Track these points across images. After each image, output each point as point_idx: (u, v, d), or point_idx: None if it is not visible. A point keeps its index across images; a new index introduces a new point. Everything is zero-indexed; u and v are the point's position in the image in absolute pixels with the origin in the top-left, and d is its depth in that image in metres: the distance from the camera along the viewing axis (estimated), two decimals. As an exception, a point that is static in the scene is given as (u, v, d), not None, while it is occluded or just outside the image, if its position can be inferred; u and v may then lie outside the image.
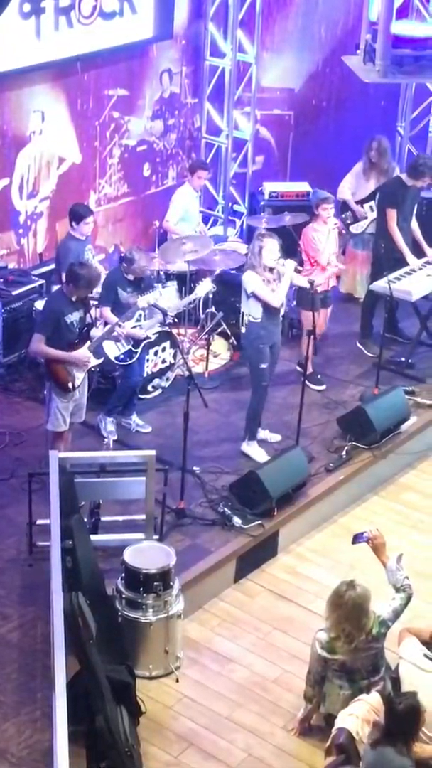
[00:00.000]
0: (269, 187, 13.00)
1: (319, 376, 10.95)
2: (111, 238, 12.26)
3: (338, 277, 12.31)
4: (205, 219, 12.52)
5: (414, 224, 11.53)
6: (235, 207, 13.30)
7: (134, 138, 12.35)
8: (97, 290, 9.68)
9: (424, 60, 11.52)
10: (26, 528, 8.63)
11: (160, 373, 10.69)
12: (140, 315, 9.73)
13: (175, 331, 10.71)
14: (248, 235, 12.82)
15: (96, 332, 9.12)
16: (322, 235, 10.64)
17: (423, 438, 10.49)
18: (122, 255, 9.81)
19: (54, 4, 10.75)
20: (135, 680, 7.39)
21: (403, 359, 11.33)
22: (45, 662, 7.57)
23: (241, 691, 7.84)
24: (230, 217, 13.23)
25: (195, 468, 9.52)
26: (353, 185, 12.09)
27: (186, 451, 9.04)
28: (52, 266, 10.85)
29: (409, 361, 11.32)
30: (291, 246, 10.94)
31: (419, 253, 11.53)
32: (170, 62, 12.52)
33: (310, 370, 10.61)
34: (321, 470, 9.68)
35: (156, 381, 10.60)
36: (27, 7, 10.52)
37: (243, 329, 9.78)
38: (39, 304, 10.53)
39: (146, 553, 7.94)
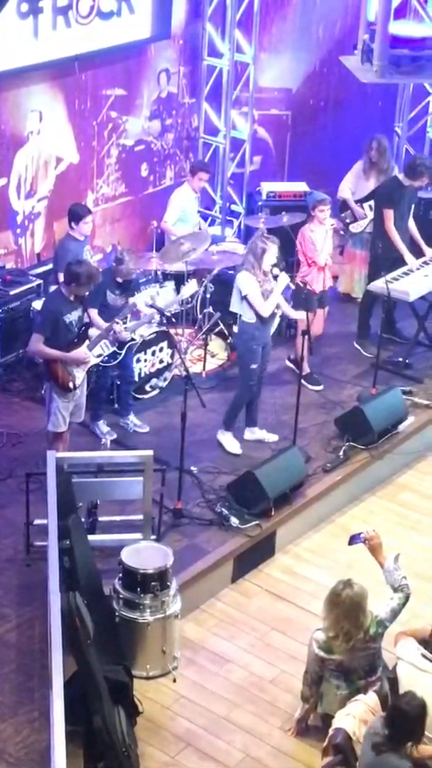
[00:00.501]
0: (267, 187, 12.99)
1: (316, 376, 10.96)
2: (109, 238, 12.26)
3: (335, 278, 12.34)
4: (203, 219, 12.51)
5: (411, 224, 11.54)
6: (233, 207, 13.29)
7: (132, 138, 12.34)
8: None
9: (422, 60, 11.52)
10: (24, 528, 8.63)
11: (158, 373, 10.69)
12: (125, 317, 9.73)
13: (172, 331, 10.72)
14: (246, 236, 12.82)
15: (94, 332, 9.12)
16: (319, 236, 10.64)
17: (420, 438, 10.49)
18: (117, 257, 9.79)
19: (52, 3, 10.75)
20: (132, 680, 7.39)
21: (400, 359, 11.34)
22: (42, 662, 7.57)
23: (239, 691, 7.85)
24: (228, 217, 13.23)
25: (192, 468, 9.53)
26: (353, 184, 12.09)
27: (183, 451, 9.04)
28: (50, 266, 10.86)
29: (407, 361, 11.33)
30: (289, 246, 10.95)
31: (417, 252, 11.54)
32: (168, 62, 12.52)
33: (306, 370, 10.62)
34: (318, 470, 9.68)
35: (153, 381, 10.60)
36: (25, 7, 10.52)
37: (235, 328, 9.79)
38: (37, 304, 10.54)
39: (143, 553, 7.94)
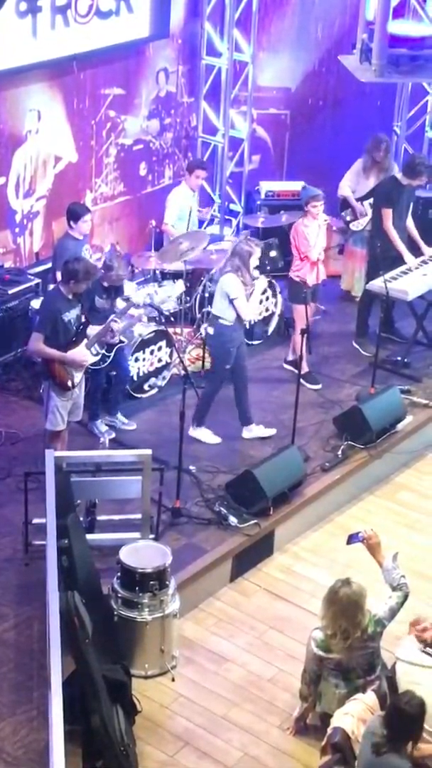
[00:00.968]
0: (265, 186, 13.00)
1: (314, 375, 10.97)
2: (107, 237, 12.25)
3: (338, 276, 12.39)
4: (202, 218, 12.51)
5: (410, 223, 11.56)
6: (232, 206, 13.29)
7: (130, 137, 12.34)
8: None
9: (421, 59, 11.52)
10: (22, 527, 8.63)
11: (156, 372, 10.69)
12: (123, 315, 9.72)
13: (171, 330, 10.72)
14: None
15: (92, 330, 9.12)
16: (312, 231, 10.69)
17: (419, 437, 10.49)
18: (105, 263, 9.78)
19: (50, 3, 10.74)
20: (131, 679, 7.39)
21: (399, 359, 11.35)
22: (41, 661, 7.56)
23: (237, 690, 7.85)
24: (226, 217, 13.23)
25: (191, 467, 9.53)
26: (353, 182, 12.10)
27: (182, 450, 9.04)
28: (49, 265, 10.85)
29: (405, 360, 11.33)
30: (288, 245, 10.98)
31: (416, 251, 11.55)
32: (166, 61, 12.51)
33: (305, 369, 10.64)
34: (317, 469, 9.68)
35: (152, 380, 10.60)
36: (24, 6, 10.51)
37: (211, 330, 9.83)
38: (35, 303, 10.55)
39: (142, 553, 7.94)
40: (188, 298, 11.22)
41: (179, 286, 10.98)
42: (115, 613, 7.77)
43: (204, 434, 10.02)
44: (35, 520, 8.49)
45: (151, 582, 7.74)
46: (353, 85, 12.74)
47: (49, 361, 8.88)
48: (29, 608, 8.11)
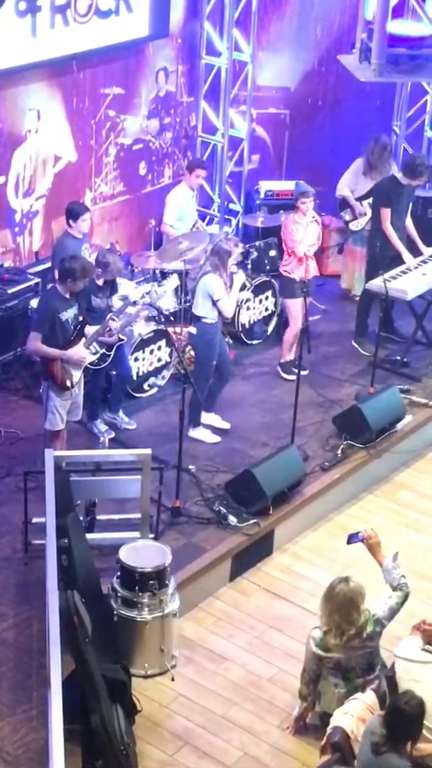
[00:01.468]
0: (265, 185, 13.00)
1: (293, 368, 11.03)
2: (107, 236, 12.24)
3: (339, 275, 12.41)
4: (201, 217, 12.51)
5: (409, 222, 11.56)
6: (231, 206, 13.29)
7: (130, 137, 12.34)
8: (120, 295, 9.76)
9: (420, 59, 11.53)
10: (21, 526, 8.63)
11: (156, 372, 10.69)
12: (120, 313, 9.72)
13: (170, 329, 10.72)
14: (244, 234, 12.83)
15: (90, 329, 9.11)
16: (301, 227, 10.73)
17: (418, 437, 10.49)
18: (98, 260, 9.76)
19: (50, 2, 10.73)
20: (130, 679, 7.39)
21: (398, 358, 11.35)
22: (40, 661, 7.57)
23: (237, 689, 7.85)
24: (226, 216, 13.22)
25: (191, 466, 9.53)
26: (352, 182, 12.11)
27: (181, 450, 9.04)
28: (48, 265, 10.85)
29: (405, 360, 11.34)
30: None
31: (415, 251, 11.55)
32: (166, 61, 12.51)
33: (288, 358, 10.91)
34: (316, 469, 9.68)
35: (151, 379, 10.60)
36: (23, 6, 10.51)
37: (194, 330, 9.90)
38: (35, 303, 10.55)
39: (142, 552, 7.94)
40: (188, 298, 11.22)
41: (173, 280, 10.96)
42: (115, 612, 7.77)
43: (203, 434, 10.02)
44: (35, 520, 8.49)
45: (151, 581, 7.74)
46: (353, 84, 12.73)
47: (48, 360, 8.87)
48: (29, 607, 8.11)
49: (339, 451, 9.87)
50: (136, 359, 10.43)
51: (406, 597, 7.31)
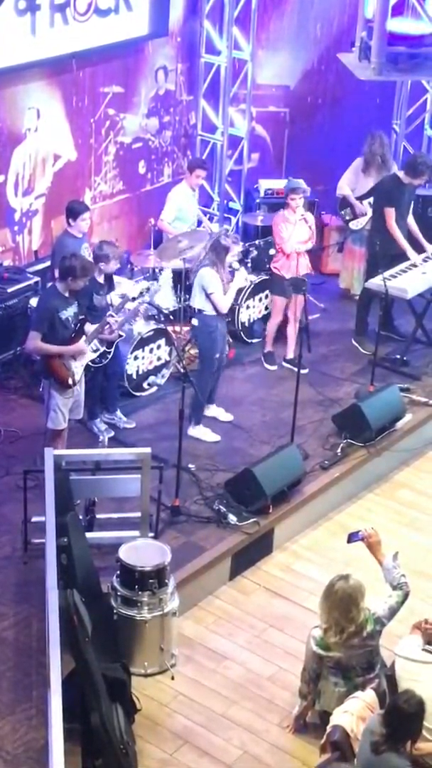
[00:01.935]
0: (264, 184, 13.00)
1: (273, 356, 11.22)
2: (106, 235, 12.23)
3: (339, 274, 12.40)
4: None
5: (411, 221, 11.56)
6: (231, 204, 13.29)
7: (129, 135, 12.34)
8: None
9: (420, 57, 11.52)
10: (21, 525, 8.63)
11: (156, 371, 10.69)
12: (119, 310, 9.72)
13: (170, 328, 10.72)
14: (244, 233, 12.82)
15: (90, 327, 9.11)
16: (290, 224, 10.75)
17: (418, 435, 10.49)
18: (95, 253, 9.74)
19: (49, 1, 10.73)
20: (130, 678, 7.39)
21: (398, 357, 11.35)
22: (40, 660, 7.57)
23: (236, 688, 7.85)
24: (225, 215, 13.22)
25: (190, 465, 9.53)
26: (352, 181, 12.10)
27: (181, 449, 9.04)
28: (48, 263, 10.85)
29: (405, 358, 11.33)
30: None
31: (418, 249, 11.56)
32: (165, 59, 12.51)
33: (268, 348, 11.15)
34: (316, 468, 9.68)
35: (151, 378, 10.59)
36: (22, 4, 10.50)
37: (195, 322, 10.00)
38: (34, 302, 10.54)
39: (141, 551, 7.94)
40: (187, 296, 11.21)
41: (167, 274, 10.94)
42: (115, 611, 7.77)
43: (201, 432, 10.02)
44: (34, 519, 8.49)
45: (151, 580, 7.74)
46: (352, 83, 12.73)
47: (49, 358, 8.87)
48: (28, 606, 8.11)
49: (339, 450, 9.87)
50: (135, 358, 10.42)
51: (406, 596, 7.31)
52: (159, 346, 10.65)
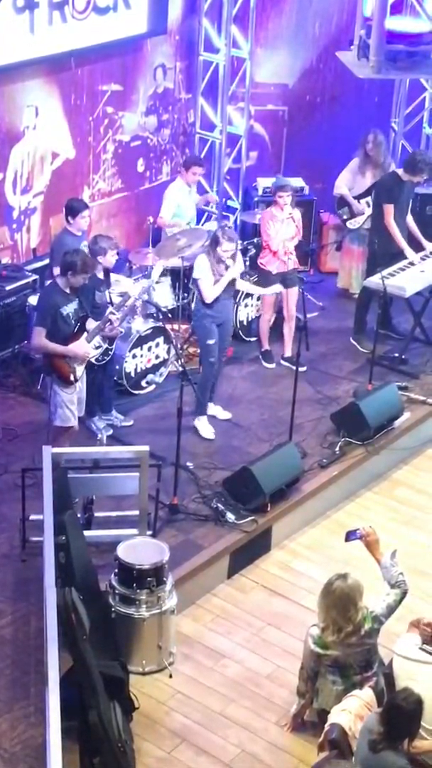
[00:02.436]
0: (263, 182, 12.99)
1: (271, 354, 11.21)
2: (105, 233, 12.21)
3: (335, 273, 12.40)
4: (199, 214, 12.49)
5: (409, 219, 11.56)
6: (229, 202, 13.28)
7: (128, 133, 12.33)
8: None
9: (418, 56, 11.51)
10: (19, 523, 8.63)
11: (154, 369, 10.69)
12: (120, 307, 9.72)
13: (168, 326, 10.72)
14: (242, 231, 12.82)
15: (91, 324, 9.11)
16: (278, 221, 10.77)
17: (416, 434, 10.49)
18: (91, 249, 9.73)
19: (48, -2, 10.75)
20: (128, 676, 7.39)
21: (396, 355, 11.35)
22: (38, 658, 7.57)
23: (234, 686, 7.85)
24: (224, 213, 13.22)
25: (188, 463, 9.53)
26: (349, 181, 12.10)
27: (179, 447, 9.04)
28: (46, 261, 10.83)
29: (403, 357, 11.33)
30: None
31: (417, 247, 11.56)
32: (164, 57, 12.50)
33: (265, 347, 11.10)
34: (314, 466, 9.68)
35: (150, 376, 10.59)
36: (21, 2, 10.50)
37: (193, 305, 10.15)
38: (32, 300, 10.54)
39: (139, 549, 7.94)
40: (186, 295, 11.21)
41: (159, 266, 10.93)
42: (113, 609, 7.77)
43: (201, 425, 10.04)
44: (32, 517, 8.49)
45: (149, 578, 7.74)
46: (351, 81, 12.73)
47: (51, 356, 8.87)
48: (26, 605, 8.11)
49: (337, 448, 9.87)
50: (134, 356, 10.42)
51: (404, 594, 7.30)
52: (158, 345, 10.65)
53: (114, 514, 8.88)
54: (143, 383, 10.62)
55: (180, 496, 9.09)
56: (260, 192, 12.93)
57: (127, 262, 11.38)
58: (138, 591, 7.75)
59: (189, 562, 8.53)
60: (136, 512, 8.62)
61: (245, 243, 11.83)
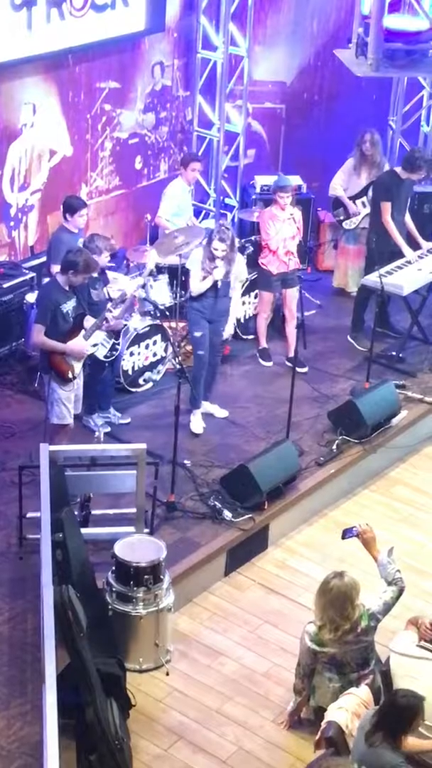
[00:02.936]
0: (261, 180, 12.99)
1: (268, 352, 11.22)
2: (102, 231, 12.18)
3: (332, 271, 12.40)
4: (197, 212, 12.50)
5: (407, 217, 11.56)
6: (227, 200, 13.29)
7: (126, 131, 12.33)
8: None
9: (416, 54, 11.52)
10: (16, 521, 8.63)
11: (151, 366, 10.69)
12: (117, 305, 9.71)
13: (166, 324, 10.72)
14: (240, 229, 12.82)
15: (88, 321, 9.11)
16: (278, 221, 10.80)
17: (413, 432, 10.50)
18: (86, 246, 9.72)
19: (46, -4, 10.74)
20: (125, 673, 7.39)
21: (394, 353, 11.35)
22: (35, 655, 7.57)
23: (231, 684, 7.85)
24: (222, 211, 13.22)
25: (186, 461, 9.53)
26: (344, 182, 12.10)
27: (177, 445, 9.04)
28: (44, 259, 10.82)
29: (400, 355, 11.34)
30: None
31: (414, 245, 11.56)
32: (162, 55, 12.50)
33: (263, 345, 11.14)
34: (311, 464, 9.68)
35: (147, 374, 10.59)
36: (19, 0, 10.50)
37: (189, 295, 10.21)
38: (30, 297, 10.54)
39: (137, 547, 7.94)
40: (183, 292, 11.21)
41: (152, 258, 10.92)
42: (110, 607, 7.78)
43: (195, 420, 10.05)
44: (29, 514, 8.49)
45: (146, 576, 7.75)
46: (349, 79, 12.74)
47: (49, 353, 8.87)
48: (23, 602, 8.11)
49: (334, 447, 9.88)
50: (131, 354, 10.42)
51: (400, 592, 7.31)
52: (155, 342, 10.65)
53: (111, 511, 8.87)
54: (141, 381, 10.62)
55: (177, 493, 9.09)
56: (258, 190, 12.93)
57: (125, 259, 11.38)
58: (135, 588, 7.75)
59: (186, 559, 8.54)
60: (134, 510, 8.62)
61: (243, 241, 11.81)
